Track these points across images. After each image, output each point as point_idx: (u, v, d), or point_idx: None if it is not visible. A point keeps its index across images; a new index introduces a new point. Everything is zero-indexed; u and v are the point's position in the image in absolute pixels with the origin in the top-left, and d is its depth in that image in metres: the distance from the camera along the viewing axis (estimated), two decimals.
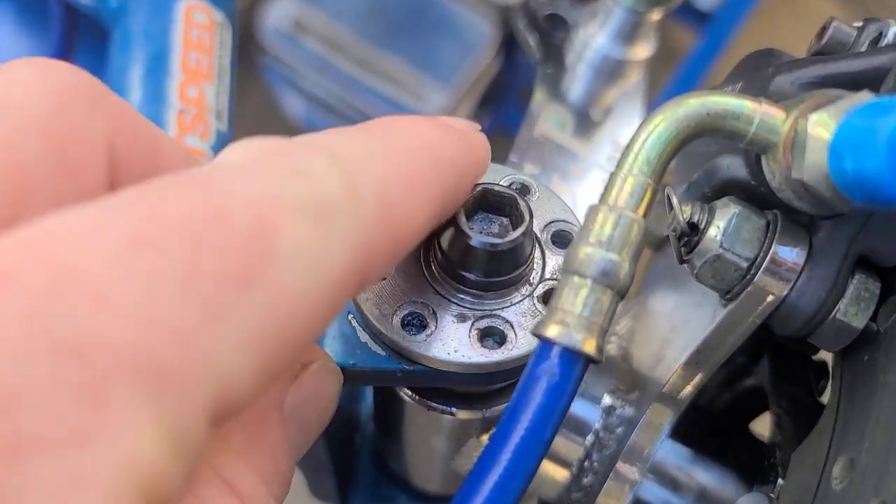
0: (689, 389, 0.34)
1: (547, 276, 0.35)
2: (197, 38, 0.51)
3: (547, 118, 0.53)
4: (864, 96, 0.27)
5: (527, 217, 0.33)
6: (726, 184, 0.35)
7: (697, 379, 0.34)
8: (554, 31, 0.57)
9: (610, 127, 0.53)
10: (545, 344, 0.28)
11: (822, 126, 0.27)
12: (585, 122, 0.54)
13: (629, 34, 0.53)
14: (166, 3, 0.51)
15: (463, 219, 0.32)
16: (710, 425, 0.43)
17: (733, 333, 0.33)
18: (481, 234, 0.33)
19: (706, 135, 0.29)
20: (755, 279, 0.31)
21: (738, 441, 0.43)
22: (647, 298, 0.44)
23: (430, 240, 0.35)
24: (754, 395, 0.43)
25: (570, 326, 0.27)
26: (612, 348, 0.44)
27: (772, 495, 0.35)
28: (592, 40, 0.54)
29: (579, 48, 0.54)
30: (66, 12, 0.59)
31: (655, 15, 0.52)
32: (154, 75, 0.49)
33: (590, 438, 0.38)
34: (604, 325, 0.28)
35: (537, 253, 0.35)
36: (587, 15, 0.55)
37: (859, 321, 0.31)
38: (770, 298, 0.31)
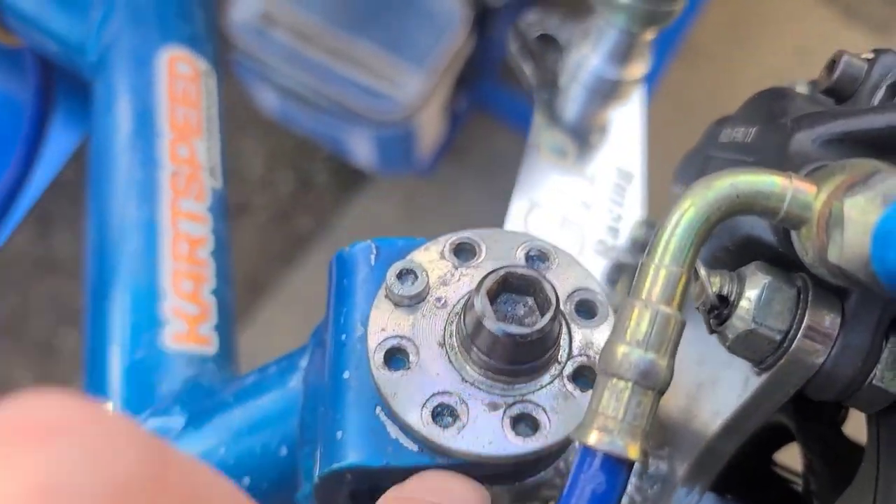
0: (722, 458, 0.34)
1: (575, 352, 0.34)
2: (182, 92, 0.49)
3: (547, 146, 0.52)
4: None
5: (553, 300, 0.32)
6: (749, 239, 0.34)
7: (730, 447, 0.34)
8: (546, 53, 0.55)
9: (612, 152, 0.52)
10: (587, 451, 0.27)
11: (860, 211, 0.26)
12: (586, 147, 0.53)
13: (623, 55, 0.51)
14: (148, 55, 0.50)
15: (488, 308, 0.32)
16: (732, 461, 0.43)
17: (767, 403, 0.32)
18: (506, 320, 0.32)
19: (737, 215, 0.29)
20: (789, 351, 0.31)
21: (762, 479, 0.42)
22: None
23: (454, 326, 0.34)
24: (777, 430, 0.43)
25: (613, 433, 0.27)
26: None
27: None
28: (586, 61, 0.52)
29: (573, 69, 0.53)
30: (43, 67, 0.57)
31: (649, 35, 0.51)
32: (142, 137, 0.47)
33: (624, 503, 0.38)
34: (646, 428, 0.27)
35: (563, 328, 0.34)
36: (580, 34, 0.53)
37: None
38: (805, 369, 0.31)
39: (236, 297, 0.49)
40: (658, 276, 0.28)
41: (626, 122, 0.54)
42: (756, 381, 0.32)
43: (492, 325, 0.31)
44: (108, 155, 0.47)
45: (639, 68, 0.53)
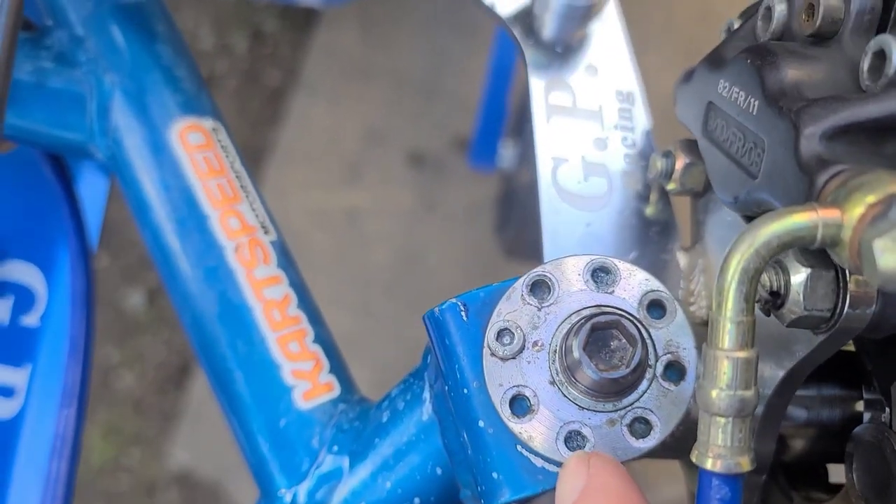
0: (786, 403, 0.42)
1: (660, 352, 0.40)
2: (206, 163, 0.52)
3: (548, 87, 0.55)
4: None
5: (637, 336, 0.38)
6: None
7: (791, 391, 0.41)
8: None
9: (607, 76, 0.55)
10: (709, 473, 0.35)
11: (888, 247, 0.31)
12: (582, 76, 0.55)
13: None
14: (160, 140, 0.51)
15: (586, 359, 0.38)
16: None
17: (824, 354, 0.39)
18: (602, 360, 0.38)
19: (779, 255, 0.34)
20: (840, 321, 0.37)
21: None
22: (713, 255, 0.50)
23: (557, 365, 0.40)
24: None
25: (726, 456, 0.34)
26: (697, 311, 0.50)
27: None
28: None
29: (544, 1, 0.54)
30: (50, 160, 0.59)
31: None
32: (193, 225, 0.50)
33: None
34: (749, 442, 0.34)
35: (644, 334, 0.40)
36: None
37: None
38: (855, 329, 0.37)
39: (322, 315, 0.55)
40: (729, 328, 0.34)
41: (608, 39, 0.56)
42: (814, 339, 0.39)
43: (593, 373, 0.38)
44: (168, 251, 0.51)
45: None
